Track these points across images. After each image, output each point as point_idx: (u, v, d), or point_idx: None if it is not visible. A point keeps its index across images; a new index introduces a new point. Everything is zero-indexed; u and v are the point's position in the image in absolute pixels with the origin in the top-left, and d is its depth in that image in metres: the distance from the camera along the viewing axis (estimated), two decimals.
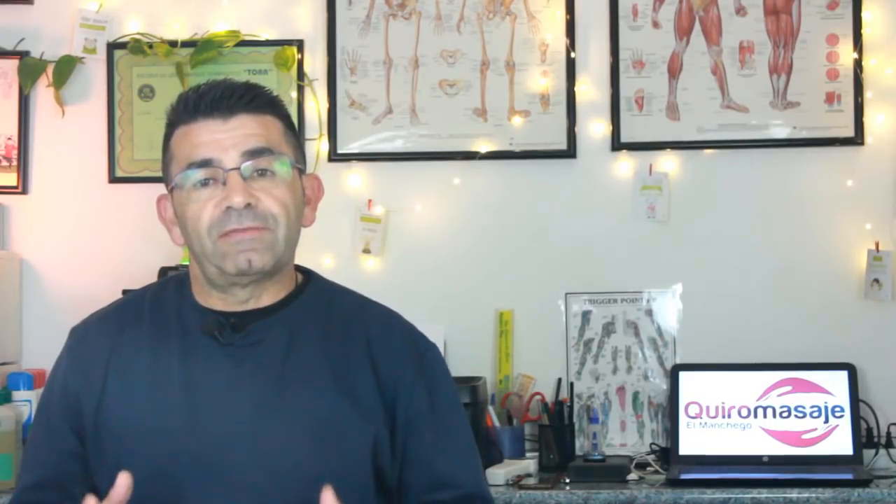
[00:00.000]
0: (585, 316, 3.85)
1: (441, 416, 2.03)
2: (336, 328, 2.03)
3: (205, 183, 1.97)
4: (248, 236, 1.95)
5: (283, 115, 2.05)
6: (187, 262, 3.64)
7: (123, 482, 1.80)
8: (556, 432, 3.70)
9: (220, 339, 1.98)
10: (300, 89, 3.92)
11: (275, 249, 1.97)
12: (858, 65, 3.80)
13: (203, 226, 1.96)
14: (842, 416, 3.63)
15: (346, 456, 1.97)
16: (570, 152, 3.88)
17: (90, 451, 2.00)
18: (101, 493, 1.99)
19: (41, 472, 2.02)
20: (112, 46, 3.97)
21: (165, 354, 1.99)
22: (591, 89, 3.89)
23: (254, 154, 1.97)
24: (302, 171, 2.06)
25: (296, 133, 2.07)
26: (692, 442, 3.66)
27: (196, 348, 1.99)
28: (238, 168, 1.95)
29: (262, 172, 1.97)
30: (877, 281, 3.74)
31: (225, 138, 1.97)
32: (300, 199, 2.03)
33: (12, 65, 3.97)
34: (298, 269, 2.10)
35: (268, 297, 2.03)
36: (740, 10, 3.85)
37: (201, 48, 3.91)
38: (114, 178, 3.96)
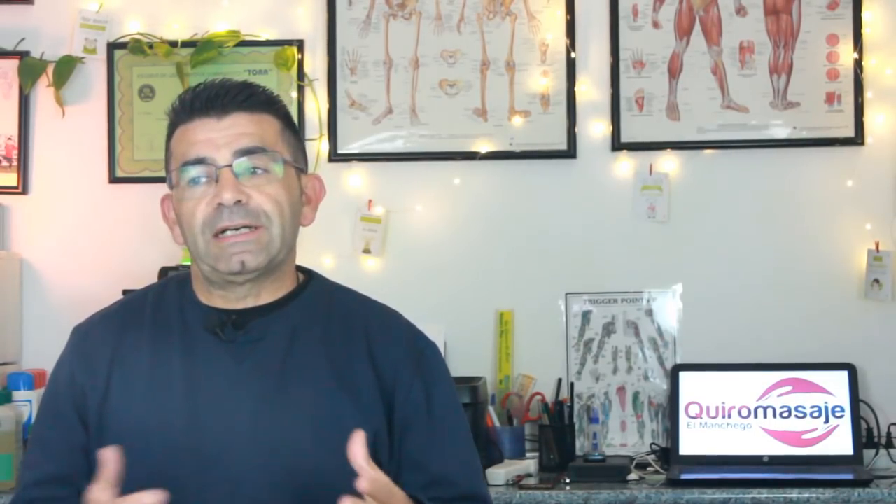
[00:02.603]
0: (585, 316, 3.85)
1: (437, 415, 2.03)
2: (337, 326, 2.04)
3: (198, 181, 1.98)
4: (241, 239, 1.96)
5: (281, 115, 2.05)
6: (188, 263, 3.67)
7: (111, 457, 1.79)
8: (557, 432, 3.70)
9: (221, 337, 1.99)
10: (300, 89, 3.92)
11: (269, 248, 1.98)
12: (858, 65, 3.80)
13: (197, 223, 1.97)
14: (842, 416, 3.63)
15: (345, 453, 1.96)
16: (570, 152, 3.88)
17: (92, 448, 2.00)
18: None
19: (52, 466, 2.01)
20: (112, 46, 3.97)
21: (167, 352, 2.00)
22: (592, 89, 3.89)
23: (246, 152, 1.98)
24: (302, 171, 2.06)
25: (296, 132, 2.07)
26: (692, 442, 3.66)
27: (197, 346, 2.00)
28: (230, 165, 1.96)
29: (256, 171, 1.98)
30: (877, 281, 3.75)
31: (218, 137, 1.98)
32: (296, 198, 2.04)
33: (12, 65, 3.97)
34: (300, 269, 2.10)
35: (267, 294, 2.03)
36: (740, 10, 3.85)
37: (201, 48, 3.91)
38: (114, 178, 3.96)
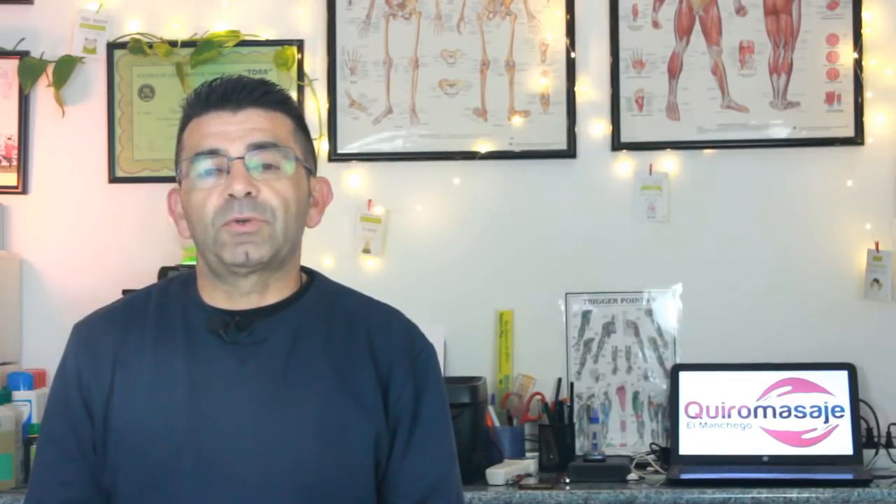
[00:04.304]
0: (585, 316, 3.85)
1: (421, 421, 2.02)
2: (339, 327, 2.04)
3: (210, 172, 1.98)
4: (246, 229, 1.96)
5: (294, 115, 2.06)
6: (188, 262, 3.69)
7: None
8: (556, 432, 3.70)
9: (224, 338, 1.99)
10: (300, 89, 3.92)
11: (273, 242, 1.99)
12: (858, 65, 3.80)
13: (207, 214, 1.98)
14: (842, 416, 3.63)
15: (348, 453, 1.97)
16: (570, 152, 3.88)
17: (98, 444, 2.00)
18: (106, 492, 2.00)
19: (72, 467, 2.00)
20: (112, 46, 3.97)
21: (170, 352, 2.00)
22: (591, 89, 3.90)
23: (259, 147, 1.99)
24: (311, 172, 2.07)
25: (307, 134, 2.09)
26: (692, 442, 3.66)
27: (200, 346, 2.00)
28: (242, 158, 1.97)
29: (268, 166, 1.99)
30: (877, 281, 3.75)
31: (233, 130, 1.99)
32: (304, 198, 2.04)
33: (12, 65, 3.97)
34: (303, 269, 2.11)
35: (272, 295, 2.03)
36: (740, 10, 3.85)
37: (201, 48, 3.91)
38: (114, 178, 3.96)
